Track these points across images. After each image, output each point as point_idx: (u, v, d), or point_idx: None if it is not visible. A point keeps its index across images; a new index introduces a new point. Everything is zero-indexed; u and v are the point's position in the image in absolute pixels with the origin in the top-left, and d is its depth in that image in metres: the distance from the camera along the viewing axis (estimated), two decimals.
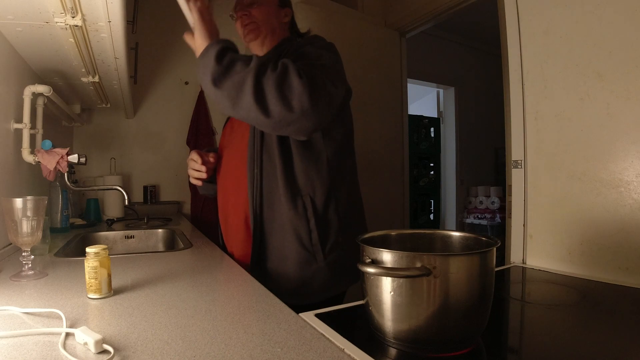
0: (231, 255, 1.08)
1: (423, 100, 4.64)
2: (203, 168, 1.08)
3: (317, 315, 0.63)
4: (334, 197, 1.00)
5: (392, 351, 0.53)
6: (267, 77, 0.78)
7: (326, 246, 0.97)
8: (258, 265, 0.99)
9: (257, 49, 1.10)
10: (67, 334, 0.53)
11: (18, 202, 0.83)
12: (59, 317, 0.59)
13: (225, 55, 0.82)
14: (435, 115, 4.43)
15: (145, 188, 2.29)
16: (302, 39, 1.10)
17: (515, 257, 1.09)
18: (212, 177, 1.14)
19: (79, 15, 0.95)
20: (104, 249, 0.72)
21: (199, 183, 1.12)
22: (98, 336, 0.49)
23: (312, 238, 0.96)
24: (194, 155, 1.09)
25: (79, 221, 1.78)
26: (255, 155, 0.98)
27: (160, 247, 1.65)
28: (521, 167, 1.08)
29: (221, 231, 1.15)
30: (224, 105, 0.82)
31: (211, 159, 1.10)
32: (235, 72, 0.79)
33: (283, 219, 0.96)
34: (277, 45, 1.08)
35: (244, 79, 0.78)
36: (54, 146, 1.32)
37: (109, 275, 0.72)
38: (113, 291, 0.73)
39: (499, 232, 3.74)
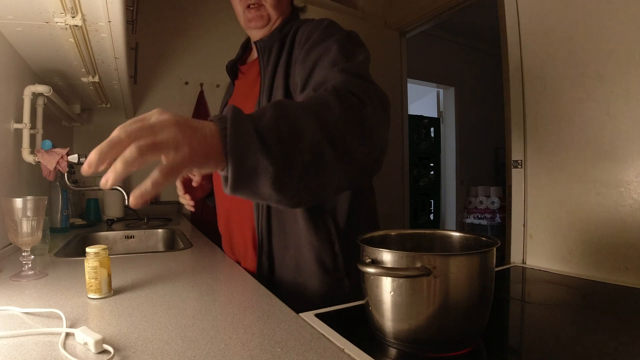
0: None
1: (423, 100, 4.64)
2: (187, 197, 0.97)
3: (317, 315, 0.63)
4: (355, 213, 0.86)
5: (392, 351, 0.53)
6: (341, 131, 0.55)
7: (351, 270, 0.84)
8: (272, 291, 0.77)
9: (256, 33, 0.94)
10: (67, 334, 0.53)
11: (18, 202, 0.83)
12: (59, 317, 0.59)
13: (269, 135, 0.48)
14: (435, 115, 4.43)
15: None
16: (312, 24, 0.87)
17: (515, 257, 1.09)
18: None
19: (79, 15, 0.95)
20: (104, 249, 0.72)
21: (192, 209, 1.00)
22: (98, 336, 0.49)
23: (338, 264, 0.83)
24: (177, 184, 0.96)
25: (79, 221, 1.78)
26: None
27: (160, 247, 1.64)
28: (521, 167, 1.08)
29: (224, 244, 1.07)
30: (306, 200, 0.54)
31: (196, 179, 0.93)
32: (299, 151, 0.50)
33: (299, 242, 0.82)
34: (279, 27, 0.92)
35: (319, 149, 0.51)
36: (54, 146, 1.32)
37: (109, 275, 0.72)
38: (113, 291, 0.73)
39: (499, 232, 3.74)
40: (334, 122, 0.55)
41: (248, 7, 0.90)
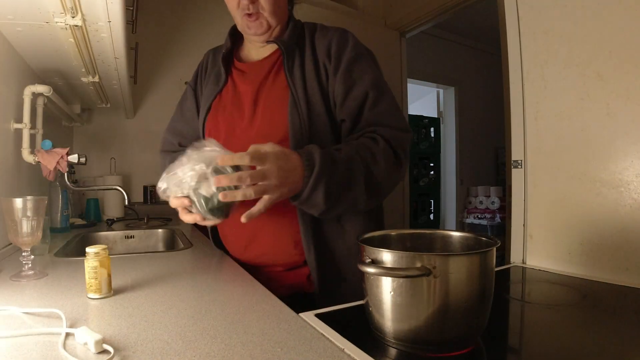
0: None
1: (423, 100, 4.64)
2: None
3: (317, 315, 0.63)
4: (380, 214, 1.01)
5: (392, 351, 0.53)
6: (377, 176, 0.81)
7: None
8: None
9: (257, 38, 0.95)
10: (67, 334, 0.53)
11: (18, 202, 0.83)
12: (59, 317, 0.59)
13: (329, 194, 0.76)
14: (435, 115, 4.43)
15: (145, 188, 2.29)
16: (336, 36, 0.93)
17: (515, 257, 1.09)
18: None
19: (79, 15, 0.95)
20: (104, 249, 0.72)
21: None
22: (98, 336, 0.49)
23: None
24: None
25: (79, 221, 1.78)
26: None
27: (160, 247, 1.65)
28: (521, 167, 1.08)
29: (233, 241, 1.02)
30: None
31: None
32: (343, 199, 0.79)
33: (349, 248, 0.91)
34: (293, 29, 0.94)
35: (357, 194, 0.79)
36: (54, 146, 1.32)
37: (109, 275, 0.72)
38: (113, 291, 0.73)
39: (499, 232, 3.75)
40: (376, 177, 0.80)
41: (247, 15, 0.90)
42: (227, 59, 1.00)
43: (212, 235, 1.09)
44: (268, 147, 0.71)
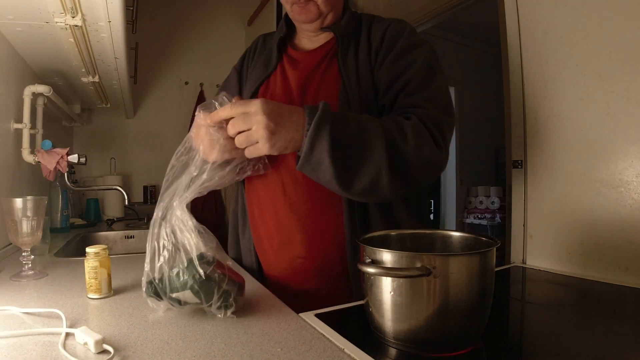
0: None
1: None
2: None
3: (317, 315, 0.63)
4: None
5: (392, 351, 0.53)
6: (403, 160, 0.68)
7: None
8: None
9: (308, 27, 0.91)
10: (67, 334, 0.53)
11: (18, 202, 0.83)
12: (59, 317, 0.59)
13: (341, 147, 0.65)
14: None
15: (145, 188, 2.29)
16: (393, 25, 0.88)
17: (515, 257, 1.09)
18: None
19: (79, 15, 0.95)
20: (104, 249, 0.72)
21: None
22: (98, 336, 0.49)
23: None
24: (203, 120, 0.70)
25: (79, 221, 1.78)
26: None
27: None
28: (521, 167, 1.08)
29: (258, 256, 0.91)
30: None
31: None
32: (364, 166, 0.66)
33: None
34: (349, 18, 0.90)
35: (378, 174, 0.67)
36: (54, 146, 1.32)
37: (109, 275, 0.72)
38: (113, 291, 0.73)
39: (499, 232, 3.74)
40: (403, 152, 0.68)
41: (296, 2, 0.86)
42: (280, 45, 0.95)
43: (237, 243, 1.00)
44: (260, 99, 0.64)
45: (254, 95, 0.92)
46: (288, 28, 0.96)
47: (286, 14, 0.95)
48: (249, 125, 0.62)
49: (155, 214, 0.64)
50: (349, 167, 0.66)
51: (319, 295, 0.82)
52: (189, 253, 0.59)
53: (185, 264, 0.59)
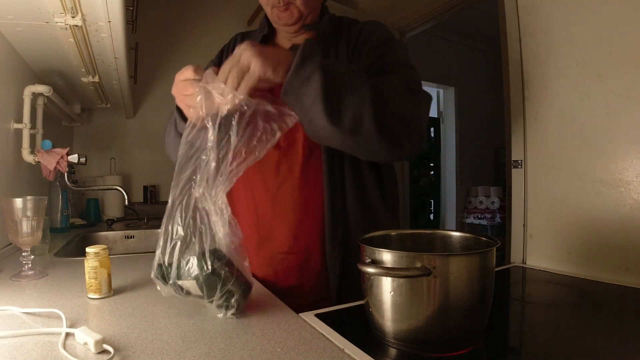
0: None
1: None
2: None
3: (317, 315, 0.63)
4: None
5: (392, 351, 0.53)
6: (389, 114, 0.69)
7: None
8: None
9: (288, 29, 0.92)
10: (67, 334, 0.53)
11: (18, 202, 0.83)
12: (59, 317, 0.59)
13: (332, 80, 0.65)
14: (435, 115, 4.42)
15: (145, 188, 2.29)
16: (368, 27, 0.91)
17: (515, 257, 1.09)
18: None
19: (79, 15, 0.95)
20: (104, 249, 0.72)
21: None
22: (98, 336, 0.49)
23: None
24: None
25: (79, 221, 1.78)
26: (335, 158, 0.82)
27: None
28: (521, 167, 1.08)
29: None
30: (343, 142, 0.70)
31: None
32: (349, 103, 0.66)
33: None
34: (329, 19, 0.92)
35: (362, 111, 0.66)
36: (54, 146, 1.32)
37: (109, 275, 0.72)
38: (113, 291, 0.73)
39: (499, 232, 3.74)
40: (385, 96, 0.69)
41: (276, 7, 0.87)
42: (262, 44, 0.94)
43: None
44: None
45: None
46: (269, 27, 0.97)
47: (264, 17, 0.96)
48: (237, 60, 0.62)
49: (171, 196, 0.62)
50: (336, 89, 0.65)
51: (301, 292, 0.83)
52: (204, 245, 0.58)
53: (197, 255, 0.58)
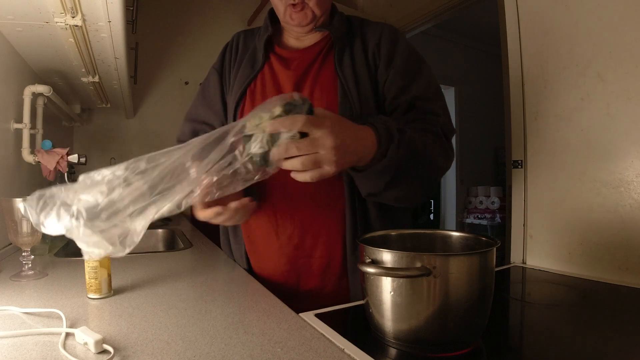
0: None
1: None
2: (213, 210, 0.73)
3: (317, 315, 0.63)
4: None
5: (392, 351, 0.53)
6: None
7: None
8: None
9: (300, 30, 0.90)
10: (67, 334, 0.53)
11: (18, 202, 0.83)
12: (59, 317, 0.59)
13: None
14: None
15: None
16: (386, 31, 0.90)
17: (515, 257, 1.09)
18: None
19: (79, 15, 0.95)
20: None
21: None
22: (98, 336, 0.49)
23: None
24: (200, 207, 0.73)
25: None
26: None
27: (160, 247, 1.65)
28: (521, 167, 1.08)
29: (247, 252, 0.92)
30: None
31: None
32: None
33: None
34: (337, 22, 0.91)
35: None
36: (54, 146, 1.32)
37: (109, 275, 0.72)
38: (113, 291, 0.73)
39: (499, 232, 3.74)
40: (433, 162, 0.75)
41: (291, 6, 0.85)
42: (266, 43, 0.94)
43: (225, 240, 1.01)
44: (328, 113, 0.60)
45: (242, 96, 0.91)
46: (273, 26, 0.96)
47: (270, 12, 0.95)
48: (316, 148, 0.57)
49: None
50: (401, 179, 0.70)
51: (322, 294, 0.84)
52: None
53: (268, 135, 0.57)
